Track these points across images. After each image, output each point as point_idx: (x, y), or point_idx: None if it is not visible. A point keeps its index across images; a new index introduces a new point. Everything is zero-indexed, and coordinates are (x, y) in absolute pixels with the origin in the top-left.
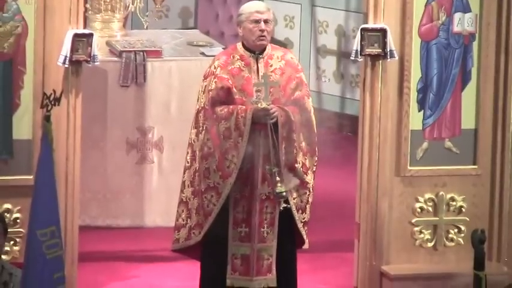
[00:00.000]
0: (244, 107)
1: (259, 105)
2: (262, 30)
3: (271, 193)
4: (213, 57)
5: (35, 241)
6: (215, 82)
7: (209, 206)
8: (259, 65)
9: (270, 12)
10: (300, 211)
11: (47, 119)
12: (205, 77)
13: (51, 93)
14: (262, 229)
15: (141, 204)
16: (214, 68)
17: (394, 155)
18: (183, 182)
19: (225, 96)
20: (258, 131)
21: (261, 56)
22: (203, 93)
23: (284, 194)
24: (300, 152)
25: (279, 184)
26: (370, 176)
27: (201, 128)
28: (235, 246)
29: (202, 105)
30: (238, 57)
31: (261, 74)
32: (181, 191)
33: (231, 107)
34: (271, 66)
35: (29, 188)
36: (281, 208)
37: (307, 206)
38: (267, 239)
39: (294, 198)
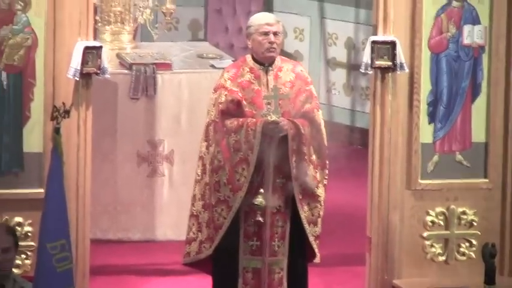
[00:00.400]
0: (254, 119)
1: (269, 118)
2: (271, 43)
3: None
4: (222, 70)
5: (45, 254)
6: (225, 95)
7: (219, 219)
8: (268, 77)
9: (280, 24)
10: (312, 224)
11: (56, 131)
12: (215, 90)
13: (60, 106)
14: (273, 243)
15: (152, 217)
16: (224, 80)
17: (404, 168)
18: (194, 196)
19: (235, 109)
20: (268, 143)
21: (270, 68)
22: (213, 106)
23: (262, 206)
24: (311, 165)
25: (259, 195)
26: (381, 189)
27: (211, 141)
28: (246, 259)
29: (213, 118)
30: (248, 70)
31: (270, 86)
32: (192, 205)
33: (241, 119)
34: (280, 78)
35: (40, 201)
36: (253, 220)
37: (319, 220)
38: (278, 253)
39: (305, 212)
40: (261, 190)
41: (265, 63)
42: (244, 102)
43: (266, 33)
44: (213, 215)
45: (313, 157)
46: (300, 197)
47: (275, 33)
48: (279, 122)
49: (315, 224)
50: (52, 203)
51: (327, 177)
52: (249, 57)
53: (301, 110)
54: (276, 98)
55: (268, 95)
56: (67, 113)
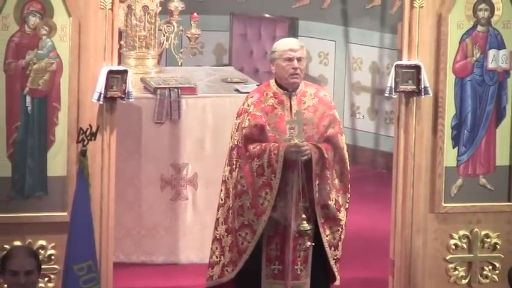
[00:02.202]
0: (276, 144)
1: (292, 142)
2: (295, 69)
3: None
4: (246, 95)
5: (72, 276)
6: (248, 120)
7: (244, 243)
8: (292, 102)
9: (304, 50)
10: (333, 248)
11: (83, 154)
12: (238, 115)
13: (87, 128)
14: (295, 266)
15: (175, 240)
16: (248, 105)
17: (428, 191)
18: (217, 219)
19: (258, 134)
20: (291, 168)
21: (294, 93)
22: (236, 131)
23: (308, 231)
24: (333, 189)
25: (304, 221)
26: (404, 213)
27: (234, 166)
28: (269, 283)
29: (236, 143)
30: (272, 95)
31: (294, 111)
32: (215, 228)
33: (264, 144)
34: (304, 103)
35: (64, 224)
36: (305, 246)
37: (340, 243)
38: (300, 277)
39: (327, 236)
40: (304, 216)
41: (288, 88)
42: (267, 127)
43: (290, 59)
44: (237, 239)
45: (336, 181)
46: (322, 221)
47: (299, 59)
48: (300, 145)
49: (336, 247)
50: (78, 224)
51: (349, 201)
52: (272, 82)
53: (324, 135)
54: (299, 123)
55: (291, 120)
56: (93, 135)
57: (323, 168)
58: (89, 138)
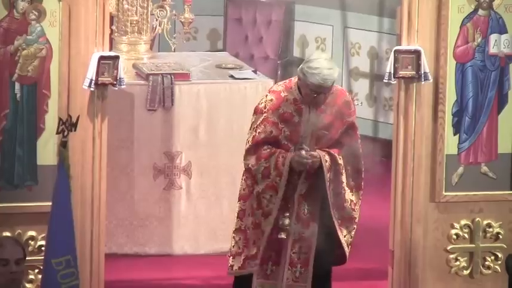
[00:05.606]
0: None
1: (303, 152)
2: (318, 101)
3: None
4: (267, 92)
5: (50, 270)
6: (264, 125)
7: (256, 241)
8: (311, 112)
9: (333, 82)
10: (349, 246)
11: (63, 145)
12: (255, 112)
13: (67, 119)
14: (294, 268)
15: (169, 231)
16: (265, 107)
17: (428, 180)
18: (243, 210)
19: (271, 140)
20: (296, 174)
21: None
22: (251, 129)
23: (287, 226)
24: (347, 190)
25: (286, 218)
26: (404, 202)
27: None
28: (260, 283)
29: (250, 141)
30: (292, 101)
31: (311, 120)
32: (240, 219)
33: (274, 149)
34: (324, 112)
35: None
36: (275, 238)
37: (352, 239)
38: (299, 279)
39: (344, 236)
40: (287, 214)
41: None
42: (282, 135)
43: (317, 93)
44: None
45: (350, 180)
46: (339, 222)
47: (326, 92)
48: (304, 157)
49: (351, 244)
50: (58, 218)
51: (361, 198)
52: (295, 86)
53: (339, 140)
54: (314, 131)
55: (306, 129)
56: (74, 126)
57: (337, 173)
58: (69, 128)
